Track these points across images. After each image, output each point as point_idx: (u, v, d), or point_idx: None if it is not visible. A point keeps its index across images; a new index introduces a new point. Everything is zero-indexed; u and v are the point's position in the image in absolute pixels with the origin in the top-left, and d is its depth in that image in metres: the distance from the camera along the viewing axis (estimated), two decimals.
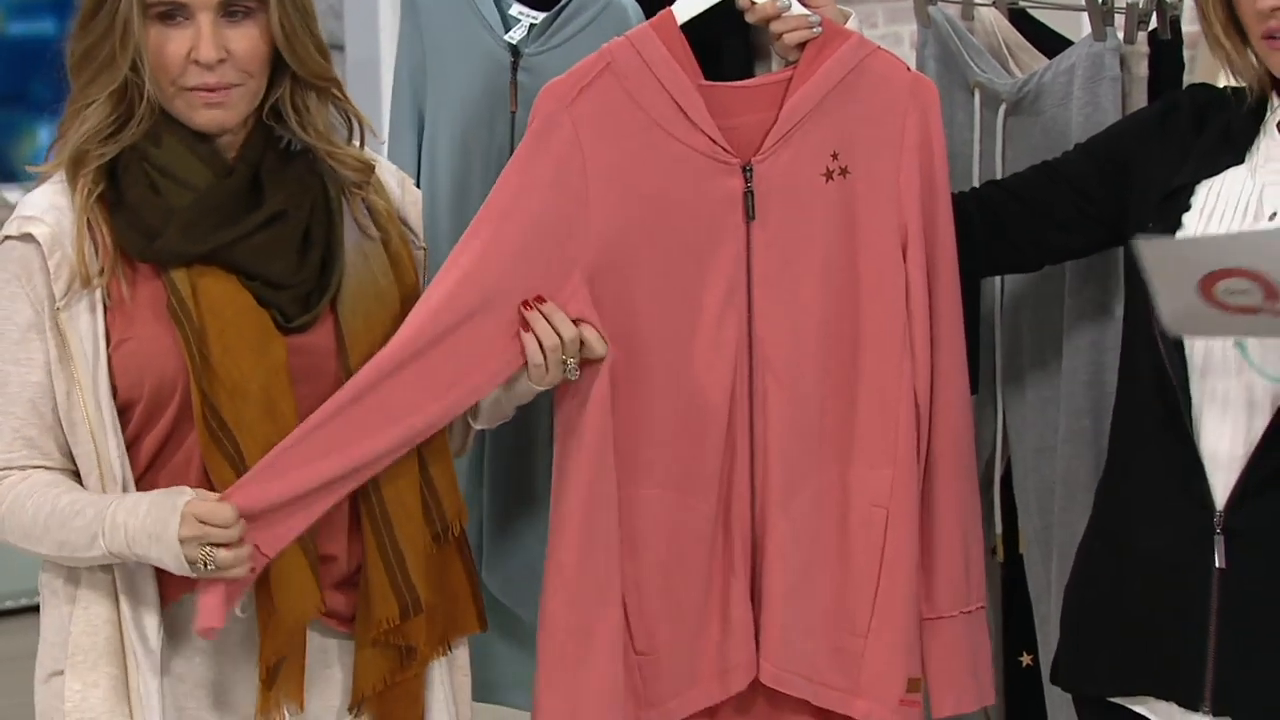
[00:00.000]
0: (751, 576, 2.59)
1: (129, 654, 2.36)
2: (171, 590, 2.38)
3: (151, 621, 2.36)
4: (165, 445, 2.37)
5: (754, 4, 2.52)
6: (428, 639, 2.49)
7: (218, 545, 2.28)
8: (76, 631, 2.37)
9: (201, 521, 2.27)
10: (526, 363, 2.47)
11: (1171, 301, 2.23)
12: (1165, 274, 2.22)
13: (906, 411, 2.58)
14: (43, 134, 6.65)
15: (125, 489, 2.35)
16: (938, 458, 2.62)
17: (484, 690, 3.01)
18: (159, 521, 2.28)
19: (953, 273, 2.60)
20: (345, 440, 2.38)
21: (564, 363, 2.47)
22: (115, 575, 2.37)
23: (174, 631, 2.40)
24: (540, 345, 2.45)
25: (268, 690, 2.39)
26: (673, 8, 2.55)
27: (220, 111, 2.38)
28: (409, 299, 2.48)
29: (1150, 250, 2.24)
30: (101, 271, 2.33)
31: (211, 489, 2.34)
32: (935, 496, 2.62)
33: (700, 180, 2.53)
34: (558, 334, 2.45)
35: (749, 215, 2.54)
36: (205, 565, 2.28)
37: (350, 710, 2.47)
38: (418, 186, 3.08)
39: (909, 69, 2.60)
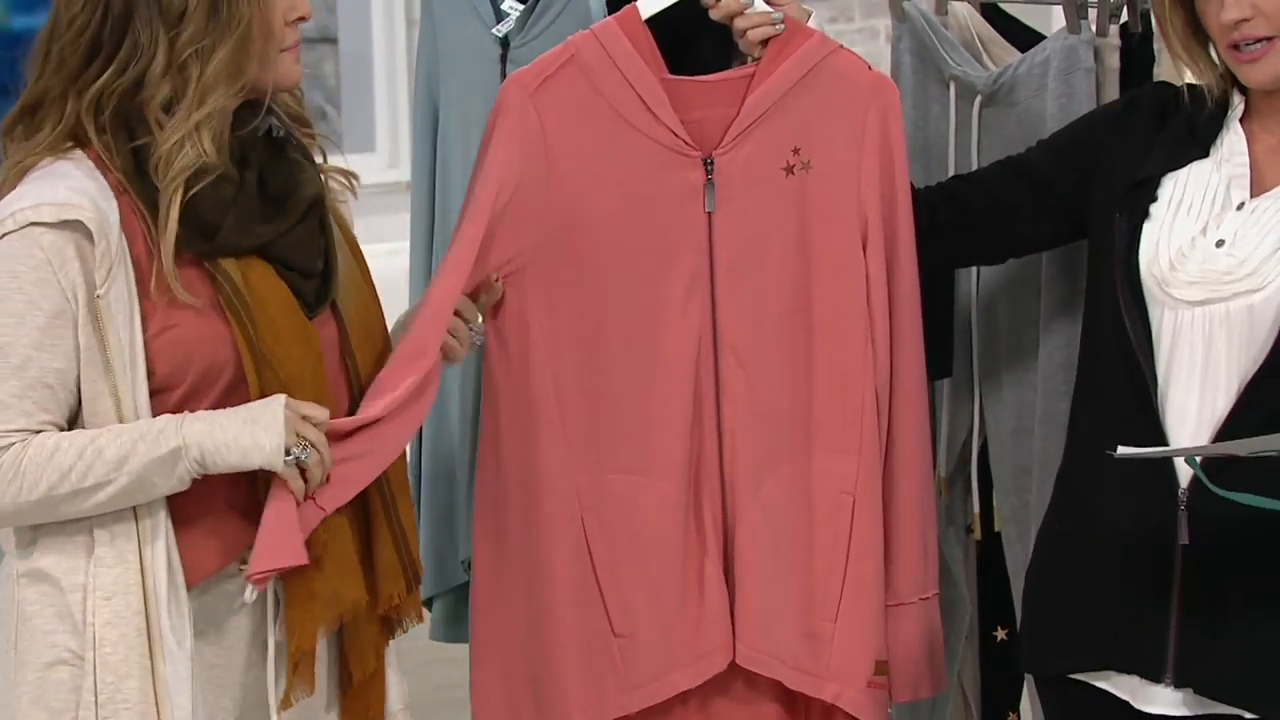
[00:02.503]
0: (725, 560, 2.57)
1: (158, 649, 2.29)
2: (190, 579, 2.32)
3: (184, 618, 2.30)
4: None
5: (718, 1, 2.50)
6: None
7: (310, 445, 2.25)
8: (101, 623, 2.28)
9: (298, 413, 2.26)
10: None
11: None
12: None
13: (869, 401, 2.56)
14: None
15: None
16: (896, 448, 2.60)
17: None
18: (255, 406, 2.24)
19: (912, 267, 2.58)
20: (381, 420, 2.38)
21: (470, 330, 2.47)
22: (142, 568, 2.29)
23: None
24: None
25: (293, 675, 2.34)
26: (638, 2, 2.52)
27: (299, 64, 2.36)
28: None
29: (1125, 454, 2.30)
30: (154, 262, 2.26)
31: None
32: (894, 486, 2.60)
33: (662, 172, 2.50)
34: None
35: (709, 207, 2.52)
36: (301, 456, 2.24)
37: (344, 691, 2.42)
38: (433, 179, 3.07)
39: (871, 68, 2.57)
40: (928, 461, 2.65)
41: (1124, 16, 2.79)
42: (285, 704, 2.35)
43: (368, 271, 2.47)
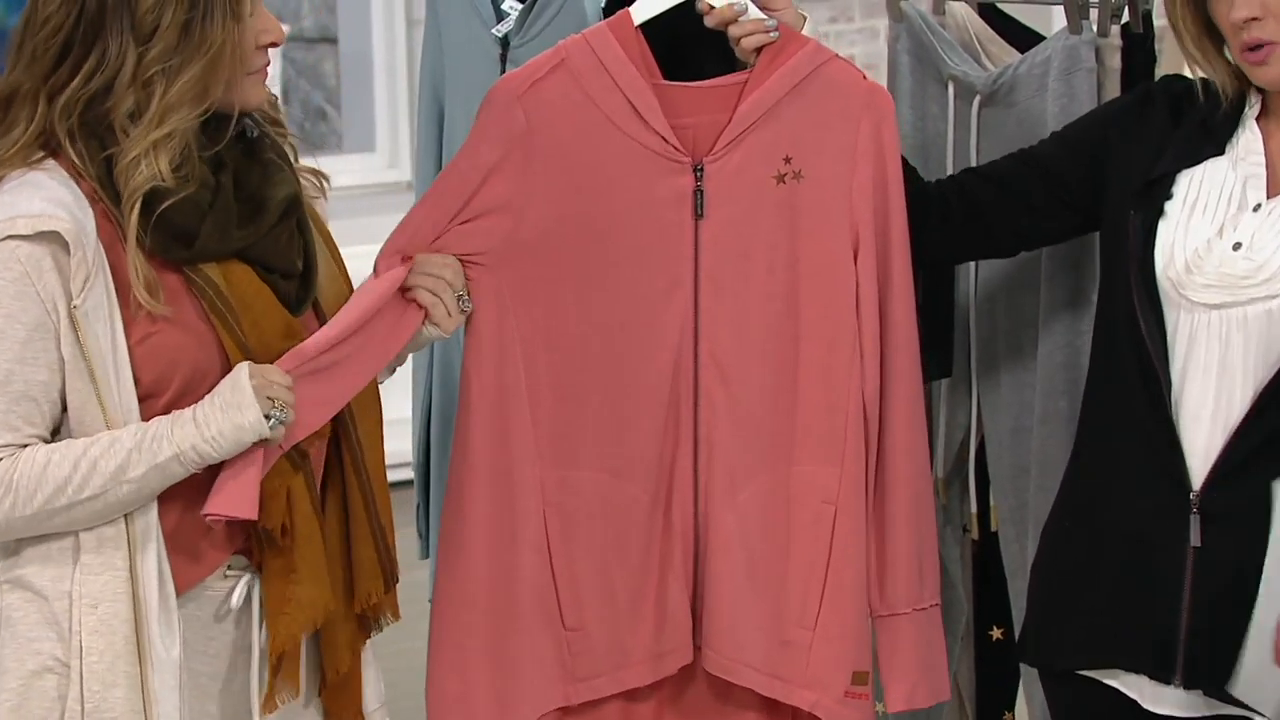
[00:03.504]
0: (694, 566, 2.55)
1: (147, 657, 2.26)
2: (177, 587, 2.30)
3: (173, 625, 2.28)
4: None
5: (712, 8, 2.48)
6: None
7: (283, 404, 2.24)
8: (88, 631, 2.25)
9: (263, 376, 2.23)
10: (426, 314, 2.44)
11: None
12: None
13: (855, 412, 2.53)
14: None
15: None
16: (890, 457, 2.56)
17: None
18: (224, 390, 2.22)
19: (906, 278, 2.55)
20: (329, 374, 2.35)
21: (459, 298, 2.43)
22: (131, 575, 2.26)
23: None
24: (432, 291, 2.42)
25: (274, 678, 2.32)
26: (631, 8, 2.50)
27: (265, 86, 2.33)
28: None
29: None
30: (139, 273, 2.23)
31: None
32: (887, 496, 2.57)
33: (651, 177, 2.48)
34: (440, 276, 2.42)
35: (698, 213, 2.50)
36: (280, 417, 2.23)
37: (321, 690, 2.40)
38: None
39: (865, 78, 2.55)
40: (923, 471, 2.61)
41: (1125, 16, 2.76)
42: (269, 706, 2.32)
43: (345, 268, 2.45)
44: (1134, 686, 2.41)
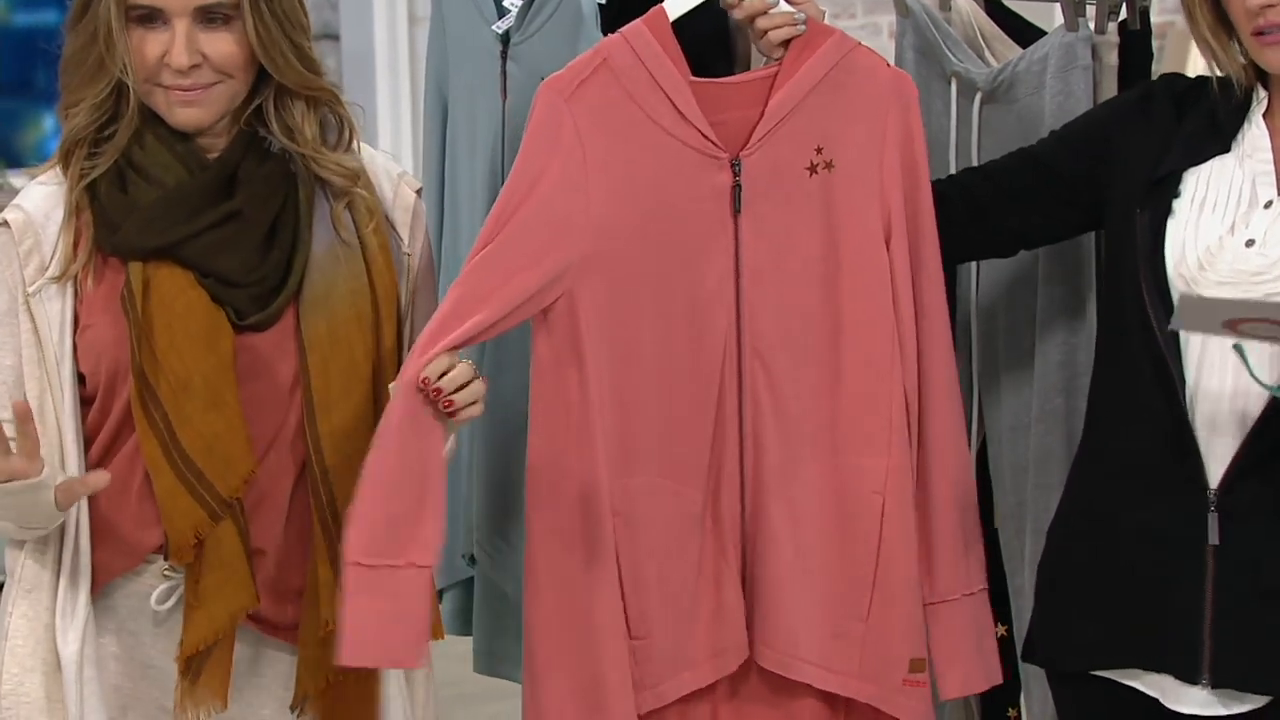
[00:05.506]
0: (744, 562, 2.58)
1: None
2: (99, 576, 2.34)
3: (78, 615, 2.32)
4: (118, 435, 2.35)
5: (740, 1, 2.50)
6: None
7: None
8: (17, 615, 2.33)
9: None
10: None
11: (1191, 324, 2.28)
12: (1193, 315, 2.26)
13: (898, 401, 2.57)
14: (47, 122, 6.64)
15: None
16: (931, 445, 2.60)
17: (489, 662, 3.00)
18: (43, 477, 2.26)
19: (936, 264, 2.59)
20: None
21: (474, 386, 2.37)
22: (60, 567, 2.32)
23: (105, 617, 2.36)
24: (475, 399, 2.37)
25: (190, 686, 2.34)
26: (664, 4, 2.53)
27: (196, 110, 2.35)
28: (385, 304, 2.43)
29: (1188, 302, 2.26)
30: (75, 259, 2.31)
31: None
32: (931, 483, 2.61)
33: (692, 174, 2.51)
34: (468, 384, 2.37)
35: (737, 209, 2.53)
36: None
37: (292, 709, 2.42)
38: (443, 178, 3.06)
39: (889, 65, 2.59)
40: (964, 456, 2.65)
41: (1123, 14, 2.79)
42: (180, 708, 2.35)
43: (383, 286, 2.43)
44: (1156, 686, 2.41)
